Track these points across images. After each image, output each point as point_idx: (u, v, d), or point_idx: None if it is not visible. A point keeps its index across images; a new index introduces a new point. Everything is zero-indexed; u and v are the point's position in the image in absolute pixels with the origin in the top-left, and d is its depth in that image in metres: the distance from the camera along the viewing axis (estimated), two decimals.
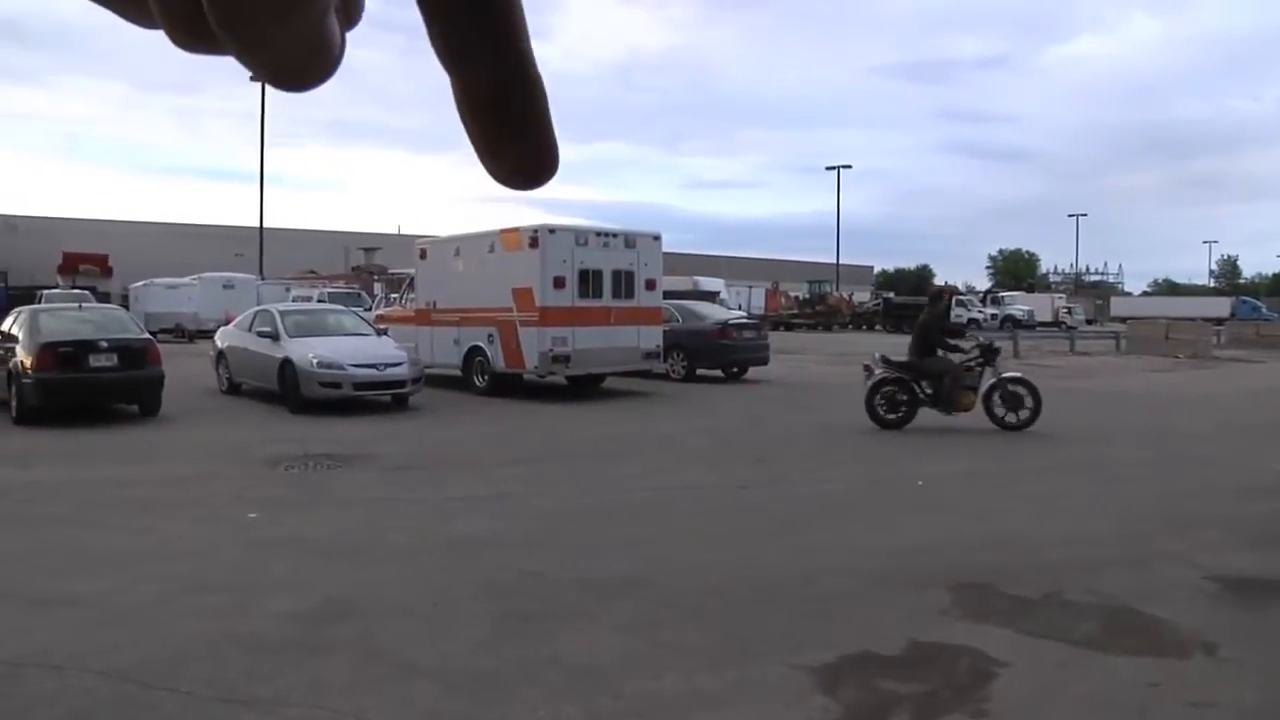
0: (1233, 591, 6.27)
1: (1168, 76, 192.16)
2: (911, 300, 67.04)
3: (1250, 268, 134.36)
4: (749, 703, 4.47)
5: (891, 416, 13.94)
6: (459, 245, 19.81)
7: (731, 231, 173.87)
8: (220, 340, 19.06)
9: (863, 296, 75.97)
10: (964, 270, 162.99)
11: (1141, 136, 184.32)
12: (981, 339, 16.29)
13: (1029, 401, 13.69)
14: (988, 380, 13.85)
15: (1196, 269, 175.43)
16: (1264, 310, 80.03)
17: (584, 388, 19.36)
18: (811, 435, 13.65)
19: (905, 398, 13.97)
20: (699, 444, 12.74)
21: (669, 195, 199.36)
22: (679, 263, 76.92)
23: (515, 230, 18.27)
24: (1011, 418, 13.65)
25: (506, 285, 18.00)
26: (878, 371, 14.10)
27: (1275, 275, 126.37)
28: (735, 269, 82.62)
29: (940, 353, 14.14)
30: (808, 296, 67.89)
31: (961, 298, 63.70)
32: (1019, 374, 14.62)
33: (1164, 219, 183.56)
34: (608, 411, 16.66)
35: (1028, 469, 10.90)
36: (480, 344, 18.62)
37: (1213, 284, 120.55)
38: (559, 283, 17.60)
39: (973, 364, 13.95)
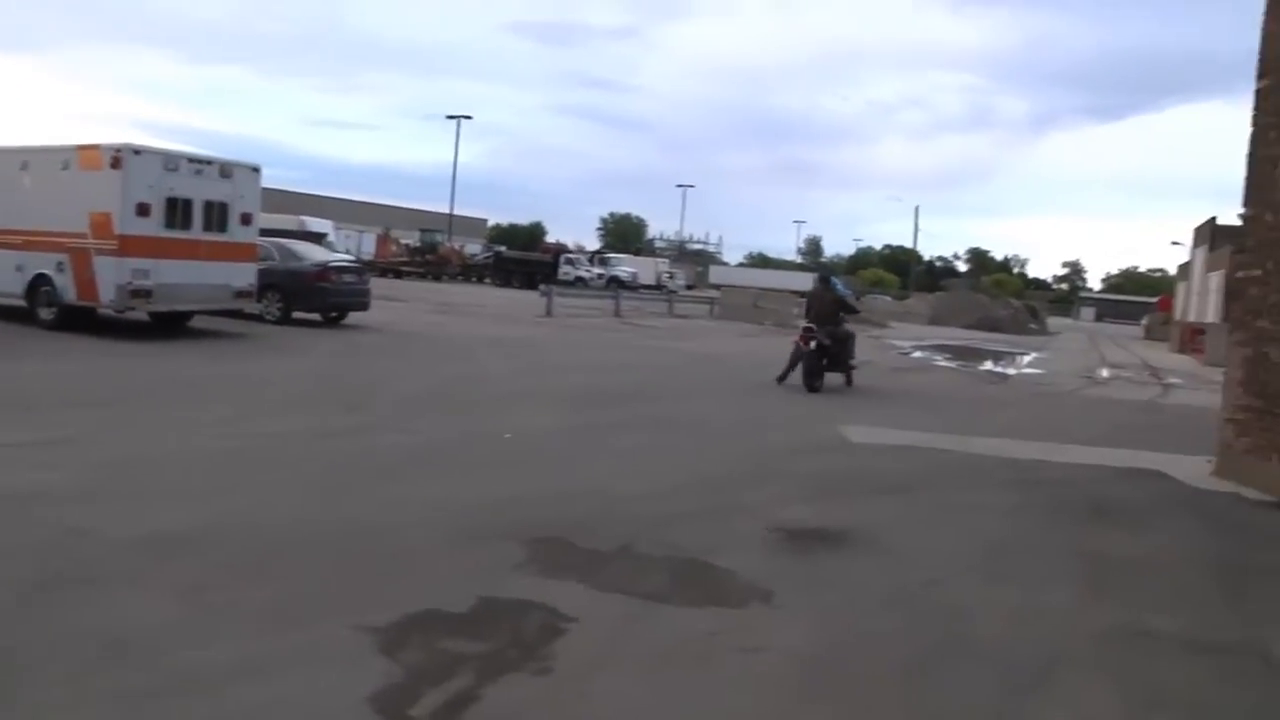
0: (791, 542, 6.73)
1: (774, 67, 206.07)
2: (522, 255, 68.18)
3: (831, 248, 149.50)
4: (303, 669, 4.14)
5: (817, 384, 15.62)
6: (26, 159, 17.64)
7: (349, 174, 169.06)
8: None
9: (475, 248, 76.06)
10: (576, 230, 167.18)
11: (748, 119, 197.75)
12: None
13: None
14: None
15: (786, 245, 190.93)
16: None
17: (169, 326, 18.02)
18: (406, 383, 13.37)
19: (825, 363, 15.94)
20: (287, 390, 12.13)
21: (286, 131, 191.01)
22: (290, 201, 73.78)
23: (95, 148, 16.56)
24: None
25: (82, 209, 16.32)
26: (814, 343, 15.74)
27: (851, 257, 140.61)
28: (350, 212, 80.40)
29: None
30: (419, 245, 67.01)
31: (571, 256, 65.32)
32: None
33: (761, 197, 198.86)
34: (192, 352, 15.48)
35: (615, 424, 11.19)
36: (48, 272, 16.79)
37: (799, 260, 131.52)
38: (143, 210, 16.17)
39: None
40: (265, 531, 6.06)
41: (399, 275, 59.77)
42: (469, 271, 64.90)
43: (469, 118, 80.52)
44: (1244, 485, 9.82)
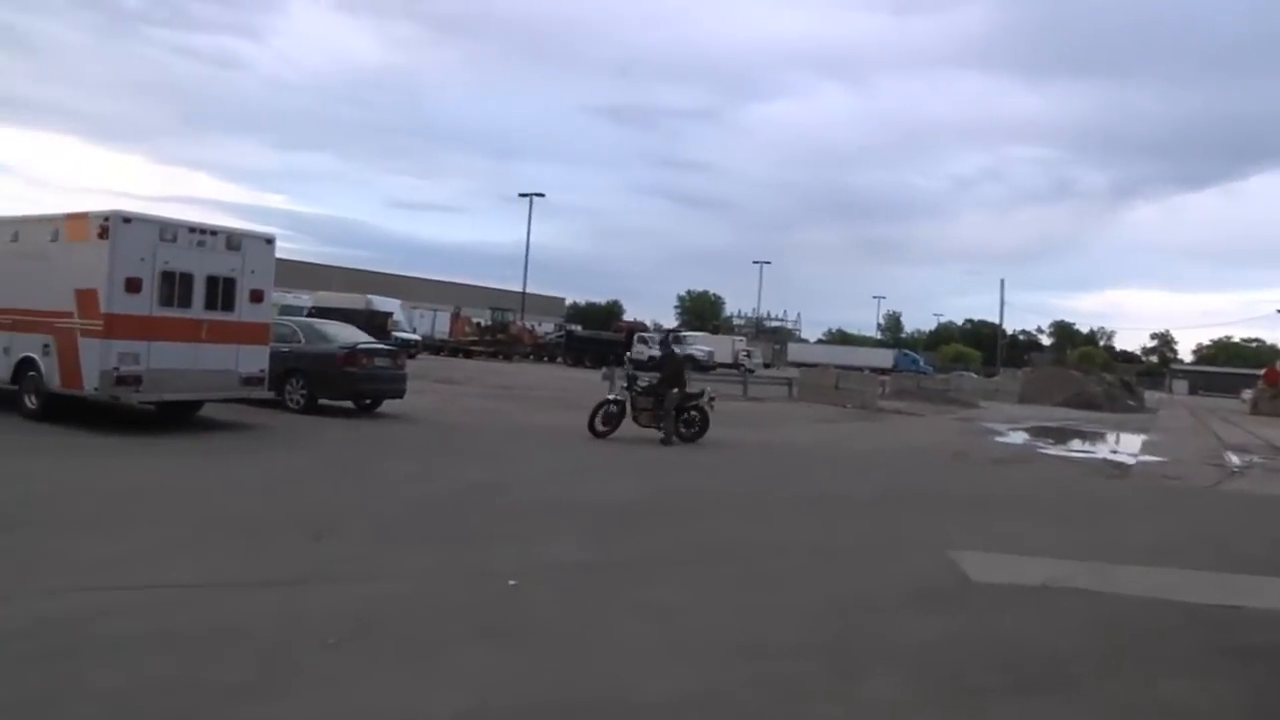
0: None
1: (854, 146, 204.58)
2: (594, 334, 66.44)
3: (911, 324, 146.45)
4: None
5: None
6: (17, 229, 15.82)
7: (430, 254, 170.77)
8: None
9: (549, 328, 75.08)
10: (654, 308, 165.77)
11: (827, 197, 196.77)
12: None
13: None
14: None
15: (866, 321, 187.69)
16: (921, 363, 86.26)
17: (174, 417, 15.90)
18: (408, 496, 10.86)
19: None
20: (247, 506, 9.62)
21: (369, 212, 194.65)
22: (369, 280, 73.83)
23: (83, 216, 14.68)
24: None
25: (68, 284, 14.48)
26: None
27: (931, 332, 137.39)
28: (428, 292, 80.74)
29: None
30: (489, 324, 65.62)
31: (644, 335, 63.55)
32: None
33: (841, 273, 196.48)
34: (170, 450, 13.17)
35: (651, 559, 8.44)
36: (34, 355, 14.94)
37: (879, 336, 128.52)
38: (133, 285, 14.14)
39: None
40: None
41: (468, 354, 58.42)
42: (540, 351, 63.33)
43: (541, 195, 79.72)
44: None
